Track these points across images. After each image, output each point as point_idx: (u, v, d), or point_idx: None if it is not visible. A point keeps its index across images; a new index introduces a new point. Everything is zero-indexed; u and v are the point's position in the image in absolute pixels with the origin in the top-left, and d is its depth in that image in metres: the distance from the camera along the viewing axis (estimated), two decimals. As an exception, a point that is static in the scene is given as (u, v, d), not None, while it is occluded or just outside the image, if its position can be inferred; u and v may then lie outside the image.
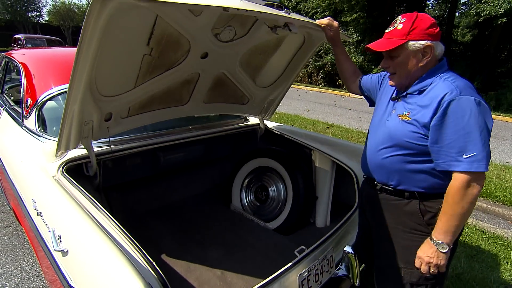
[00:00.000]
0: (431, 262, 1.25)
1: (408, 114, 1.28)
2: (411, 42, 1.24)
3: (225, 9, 1.13)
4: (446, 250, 1.23)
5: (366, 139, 1.54)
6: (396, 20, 1.30)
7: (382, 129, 1.40)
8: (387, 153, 1.36)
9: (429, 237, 1.27)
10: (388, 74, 1.40)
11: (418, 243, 1.32)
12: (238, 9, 1.14)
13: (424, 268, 1.28)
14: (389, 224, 1.43)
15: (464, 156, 1.14)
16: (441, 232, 1.22)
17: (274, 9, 1.33)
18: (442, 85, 1.21)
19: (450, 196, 1.19)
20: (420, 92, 1.28)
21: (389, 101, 1.43)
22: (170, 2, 0.99)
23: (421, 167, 1.29)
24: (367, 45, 1.33)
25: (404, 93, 1.34)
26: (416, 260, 1.31)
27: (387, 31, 1.32)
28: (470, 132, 1.13)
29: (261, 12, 1.22)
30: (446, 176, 1.24)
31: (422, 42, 1.24)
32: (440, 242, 1.22)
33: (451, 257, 1.36)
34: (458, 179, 1.16)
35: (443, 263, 1.25)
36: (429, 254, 1.25)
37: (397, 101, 1.38)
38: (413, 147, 1.27)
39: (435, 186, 1.30)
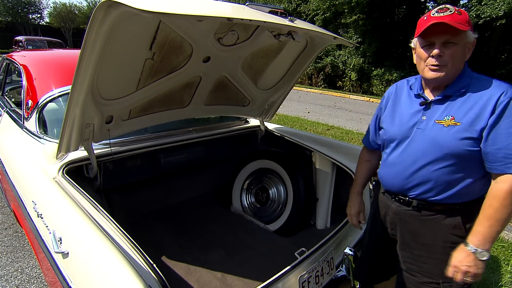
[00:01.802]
0: (469, 272, 1.16)
1: (453, 119, 1.17)
2: (469, 33, 1.15)
3: (229, 19, 1.12)
4: (486, 257, 1.14)
5: (387, 153, 1.39)
6: (448, 8, 1.14)
7: (419, 139, 1.25)
8: (436, 164, 1.21)
9: (463, 244, 1.18)
10: (431, 65, 1.20)
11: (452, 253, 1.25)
12: (242, 19, 1.14)
13: (459, 278, 1.18)
14: (426, 241, 1.31)
15: None
16: (481, 238, 1.13)
17: (278, 17, 1.31)
18: (489, 85, 1.15)
19: (498, 200, 1.11)
20: (461, 94, 1.19)
21: (414, 108, 1.30)
22: (175, 14, 0.99)
23: (469, 175, 1.20)
24: (440, 19, 1.12)
25: (441, 96, 1.23)
26: (450, 269, 1.20)
27: (441, 15, 1.13)
28: None
29: (265, 22, 1.22)
30: (488, 181, 1.19)
31: (475, 36, 1.17)
32: (480, 250, 1.13)
33: None
34: (509, 181, 1.09)
35: (480, 271, 1.16)
36: (466, 263, 1.15)
37: (428, 107, 1.26)
38: (464, 154, 1.16)
39: (476, 193, 1.23)
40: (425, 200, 1.27)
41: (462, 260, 1.16)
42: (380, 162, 1.50)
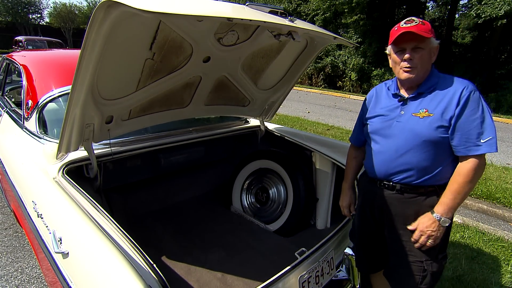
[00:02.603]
0: (432, 235, 1.38)
1: (427, 111, 1.37)
2: (433, 39, 1.37)
3: (229, 19, 1.13)
4: (448, 224, 1.37)
5: (372, 146, 1.57)
6: (413, 19, 1.36)
7: (398, 131, 1.44)
8: (415, 151, 1.40)
9: (429, 212, 1.39)
10: (404, 68, 1.41)
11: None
12: (242, 19, 1.15)
13: (423, 240, 1.40)
14: (409, 222, 1.47)
15: (482, 141, 1.30)
16: (446, 208, 1.35)
17: (278, 17, 1.31)
18: (453, 82, 1.38)
19: (463, 176, 1.33)
20: (431, 90, 1.40)
21: (393, 104, 1.50)
22: (175, 14, 0.99)
23: (442, 160, 1.39)
24: (405, 29, 1.33)
25: (415, 93, 1.43)
26: (417, 232, 1.41)
27: (408, 25, 1.34)
28: (484, 121, 1.30)
29: (265, 22, 1.22)
30: (456, 165, 1.38)
31: (438, 41, 1.39)
32: (443, 218, 1.36)
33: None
34: (472, 161, 1.32)
35: (440, 236, 1.39)
36: (431, 228, 1.37)
37: (405, 103, 1.46)
38: (438, 141, 1.36)
39: (448, 176, 1.40)
40: (407, 184, 1.45)
41: (428, 226, 1.38)
42: (365, 155, 1.67)
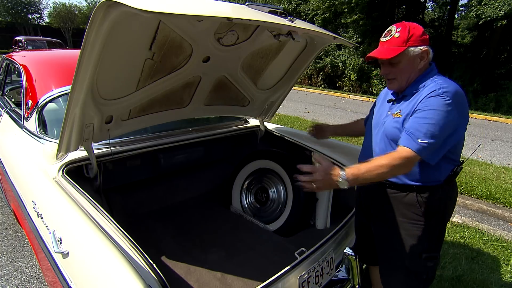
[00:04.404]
0: (319, 180, 1.27)
1: (400, 112, 1.41)
2: (411, 48, 1.35)
3: (229, 19, 1.13)
4: (343, 187, 1.27)
5: (364, 140, 1.68)
6: (391, 30, 1.38)
7: (380, 129, 1.52)
8: (385, 149, 1.45)
9: (340, 167, 1.30)
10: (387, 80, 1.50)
11: (417, 232, 1.44)
12: (242, 19, 1.15)
13: (306, 178, 1.28)
14: (391, 217, 1.50)
15: (417, 139, 1.26)
16: (355, 174, 1.27)
17: (277, 17, 1.32)
18: (431, 86, 1.34)
19: (387, 157, 1.30)
20: (413, 94, 1.39)
21: (386, 105, 1.56)
22: (174, 14, 0.99)
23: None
24: (368, 54, 1.41)
25: (400, 96, 1.47)
26: (312, 168, 1.29)
27: (383, 40, 1.39)
28: (432, 124, 1.25)
29: (264, 22, 1.22)
30: (440, 168, 1.38)
31: (420, 47, 1.35)
32: (345, 179, 1.26)
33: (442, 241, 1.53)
34: (399, 151, 1.29)
35: (322, 188, 1.30)
36: (323, 176, 1.27)
37: (393, 104, 1.51)
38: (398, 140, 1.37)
39: (430, 178, 1.40)
40: (386, 180, 1.47)
41: (327, 173, 1.27)
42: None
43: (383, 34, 1.41)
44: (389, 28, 1.40)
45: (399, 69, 1.39)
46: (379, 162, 1.30)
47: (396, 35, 1.35)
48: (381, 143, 1.50)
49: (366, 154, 1.59)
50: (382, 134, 1.49)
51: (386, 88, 1.65)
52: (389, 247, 1.56)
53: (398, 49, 1.34)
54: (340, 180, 1.26)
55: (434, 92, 1.29)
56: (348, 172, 1.28)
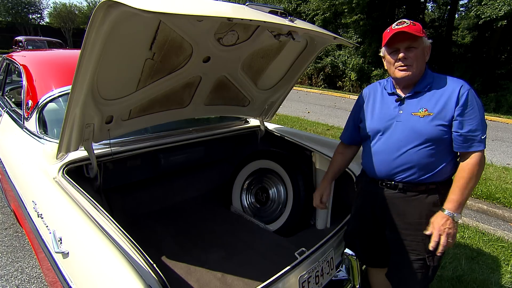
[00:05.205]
0: (450, 232, 1.37)
1: (426, 110, 1.41)
2: (425, 39, 1.41)
3: (229, 19, 1.13)
4: (460, 219, 1.39)
5: (371, 145, 1.57)
6: (405, 21, 1.39)
7: (398, 130, 1.46)
8: (416, 149, 1.42)
9: (440, 211, 1.40)
10: (401, 67, 1.44)
11: None
12: (242, 19, 1.15)
13: (444, 240, 1.37)
14: (412, 220, 1.49)
15: (481, 137, 1.36)
16: (456, 204, 1.38)
17: (278, 17, 1.32)
18: (448, 81, 1.42)
19: (468, 172, 1.37)
20: (428, 89, 1.43)
21: (390, 104, 1.52)
22: (175, 14, 0.99)
23: (442, 157, 1.43)
24: (398, 29, 1.37)
25: (412, 92, 1.46)
26: (435, 233, 1.38)
27: (400, 26, 1.38)
28: (482, 118, 1.37)
29: (265, 22, 1.22)
30: (455, 163, 1.46)
31: (430, 41, 1.43)
32: (455, 214, 1.38)
33: None
34: (475, 157, 1.37)
35: (456, 232, 1.40)
36: (447, 226, 1.37)
37: (402, 102, 1.48)
38: (438, 138, 1.39)
39: (447, 174, 1.46)
40: (409, 182, 1.47)
41: (443, 224, 1.37)
42: (362, 154, 1.67)
43: (395, 23, 1.41)
44: (401, 20, 1.41)
45: (416, 55, 1.40)
46: (466, 178, 1.37)
47: (413, 24, 1.38)
48: (411, 143, 1.43)
49: (383, 159, 1.51)
50: (411, 133, 1.42)
51: (367, 89, 1.67)
52: (409, 251, 1.52)
53: (420, 34, 1.36)
54: (455, 220, 1.38)
55: (462, 88, 1.37)
56: (450, 208, 1.38)
